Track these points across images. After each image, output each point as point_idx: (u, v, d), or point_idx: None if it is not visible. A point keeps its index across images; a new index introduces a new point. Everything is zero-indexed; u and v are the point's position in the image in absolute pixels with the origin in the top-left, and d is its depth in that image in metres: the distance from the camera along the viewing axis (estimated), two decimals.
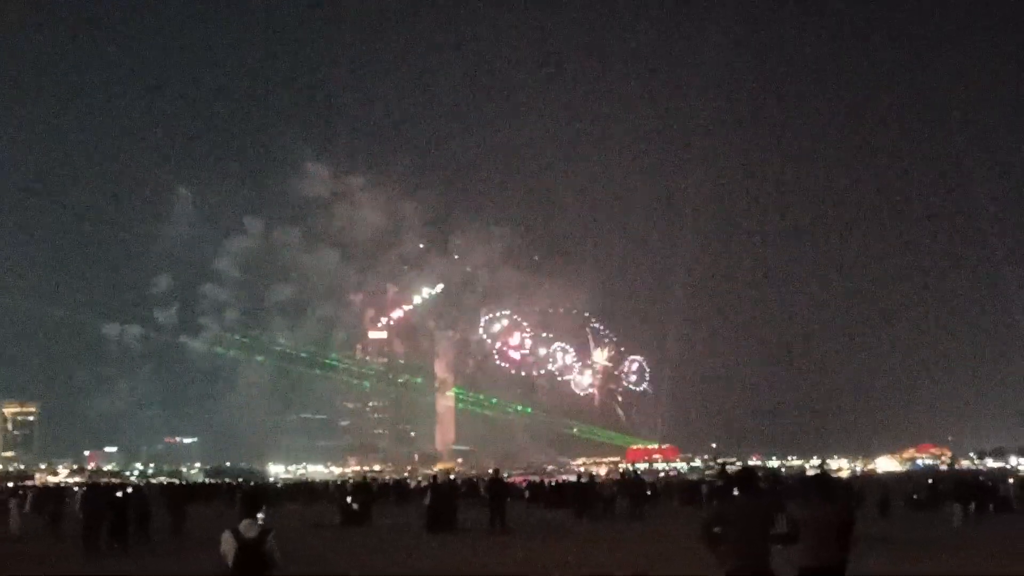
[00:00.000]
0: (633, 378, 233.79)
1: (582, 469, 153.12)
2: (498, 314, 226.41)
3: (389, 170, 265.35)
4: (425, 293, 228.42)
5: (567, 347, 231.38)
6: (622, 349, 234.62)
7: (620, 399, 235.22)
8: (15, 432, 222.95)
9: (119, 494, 31.77)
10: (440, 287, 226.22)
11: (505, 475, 74.34)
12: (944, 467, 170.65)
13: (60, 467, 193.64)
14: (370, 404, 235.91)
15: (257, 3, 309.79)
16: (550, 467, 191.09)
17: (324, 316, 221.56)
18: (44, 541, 34.14)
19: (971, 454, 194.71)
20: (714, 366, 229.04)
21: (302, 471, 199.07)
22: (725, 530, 10.28)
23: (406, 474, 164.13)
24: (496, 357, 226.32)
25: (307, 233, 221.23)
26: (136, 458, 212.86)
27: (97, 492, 32.46)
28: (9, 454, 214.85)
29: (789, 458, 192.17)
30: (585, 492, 48.67)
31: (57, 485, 78.29)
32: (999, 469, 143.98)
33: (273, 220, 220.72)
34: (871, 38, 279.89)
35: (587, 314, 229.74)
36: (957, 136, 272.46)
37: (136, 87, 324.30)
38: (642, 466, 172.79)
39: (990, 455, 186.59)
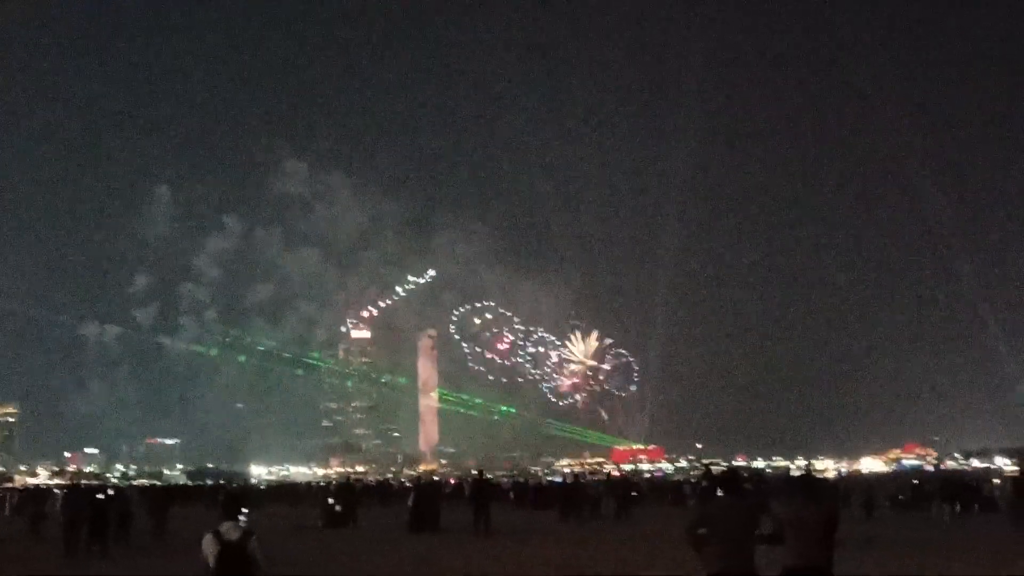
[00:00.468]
0: (617, 380, 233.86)
1: (567, 470, 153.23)
2: (481, 313, 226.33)
3: (370, 168, 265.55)
4: (407, 292, 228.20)
5: (550, 348, 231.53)
6: (608, 342, 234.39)
7: (603, 402, 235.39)
8: None
9: (100, 496, 31.52)
10: (424, 280, 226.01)
11: (490, 476, 74.16)
12: (930, 467, 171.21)
13: (40, 468, 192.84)
14: (353, 404, 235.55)
15: (235, 0, 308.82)
16: (535, 468, 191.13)
17: (305, 316, 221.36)
18: (24, 543, 33.93)
19: (956, 454, 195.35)
20: (699, 366, 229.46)
21: (284, 472, 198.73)
22: (710, 531, 10.24)
23: (389, 475, 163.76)
24: (479, 357, 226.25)
25: (287, 232, 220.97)
26: (117, 459, 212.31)
27: (78, 494, 32.23)
28: None
29: (774, 458, 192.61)
30: (571, 493, 48.56)
31: (38, 487, 77.85)
32: (984, 469, 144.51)
33: (253, 219, 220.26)
34: (856, 37, 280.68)
35: (572, 313, 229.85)
36: (947, 138, 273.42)
37: (114, 86, 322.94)
38: (627, 467, 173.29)
39: (975, 455, 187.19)
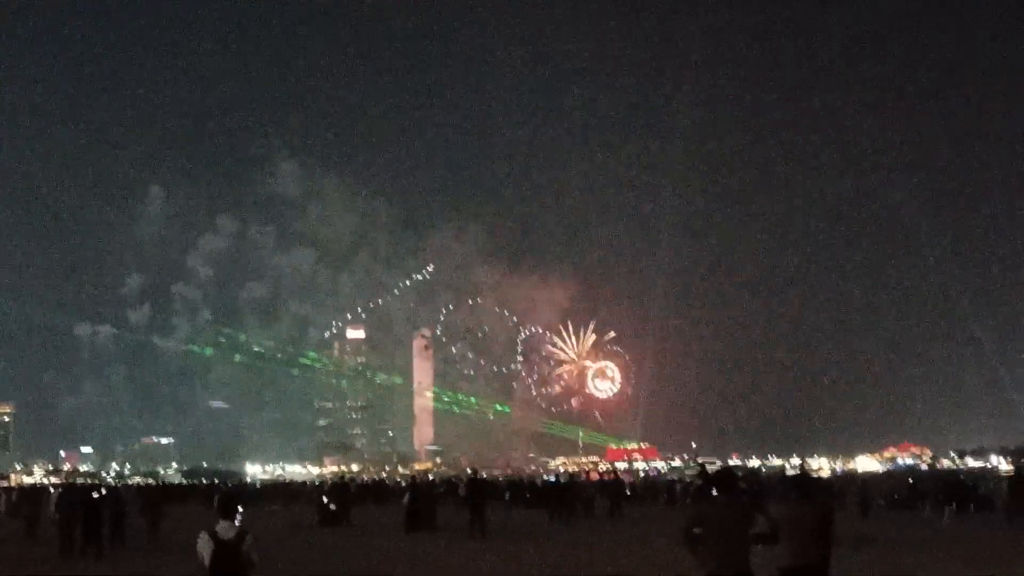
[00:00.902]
0: (608, 385, 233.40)
1: (561, 469, 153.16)
2: (475, 312, 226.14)
3: (363, 167, 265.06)
4: (401, 291, 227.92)
5: (544, 346, 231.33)
6: (612, 335, 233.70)
7: (597, 400, 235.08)
8: None
9: (94, 495, 31.50)
10: (419, 278, 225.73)
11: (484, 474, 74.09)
12: (925, 466, 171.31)
13: (36, 467, 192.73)
14: (348, 403, 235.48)
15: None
16: (532, 467, 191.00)
17: (300, 315, 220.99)
18: (20, 543, 33.88)
19: (952, 453, 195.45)
20: (694, 364, 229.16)
21: (279, 471, 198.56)
22: (705, 531, 10.24)
23: (384, 474, 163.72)
24: (473, 356, 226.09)
25: (281, 232, 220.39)
26: (112, 458, 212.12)
27: (73, 493, 32.19)
28: None
29: (769, 457, 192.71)
30: (565, 492, 48.56)
31: (33, 486, 77.77)
32: (980, 468, 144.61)
33: (246, 219, 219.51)
34: (854, 33, 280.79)
35: (566, 311, 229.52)
36: (942, 139, 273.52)
37: (108, 85, 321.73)
38: (622, 465, 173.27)
39: (971, 454, 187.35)
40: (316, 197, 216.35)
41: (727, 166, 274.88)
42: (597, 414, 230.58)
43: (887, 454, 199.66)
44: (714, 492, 11.00)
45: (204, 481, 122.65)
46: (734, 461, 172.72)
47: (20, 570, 25.91)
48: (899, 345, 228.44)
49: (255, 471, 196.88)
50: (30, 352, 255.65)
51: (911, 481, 63.67)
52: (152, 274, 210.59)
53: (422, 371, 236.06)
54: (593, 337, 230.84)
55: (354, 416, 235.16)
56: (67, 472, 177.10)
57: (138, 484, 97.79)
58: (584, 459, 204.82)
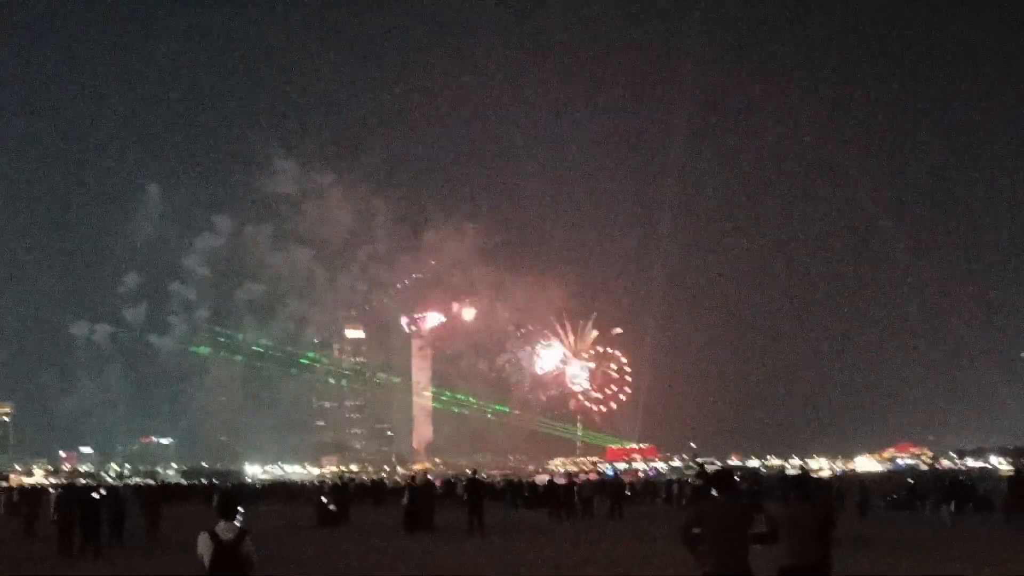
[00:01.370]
0: (610, 377, 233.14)
1: (560, 469, 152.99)
2: (474, 311, 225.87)
3: (360, 166, 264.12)
4: (400, 291, 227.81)
5: (543, 345, 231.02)
6: (617, 331, 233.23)
7: (596, 400, 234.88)
8: None
9: (94, 495, 31.49)
10: (417, 277, 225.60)
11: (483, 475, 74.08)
12: (924, 467, 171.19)
13: (35, 468, 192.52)
14: (347, 403, 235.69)
15: None
16: (531, 467, 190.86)
17: (298, 315, 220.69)
18: (20, 543, 33.88)
19: (951, 453, 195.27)
20: (694, 364, 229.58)
21: (279, 471, 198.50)
22: (704, 530, 10.25)
23: (383, 474, 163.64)
24: (471, 355, 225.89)
25: (278, 231, 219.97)
26: (112, 458, 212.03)
27: (72, 493, 32.18)
28: None
29: (768, 457, 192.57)
30: (564, 492, 48.56)
31: (33, 486, 77.69)
32: (979, 469, 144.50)
33: (243, 218, 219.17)
34: (852, 31, 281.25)
35: (565, 309, 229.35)
36: (940, 139, 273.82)
37: (104, 84, 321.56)
38: (621, 466, 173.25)
39: (970, 455, 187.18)
40: (313, 196, 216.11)
41: (727, 167, 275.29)
42: (596, 413, 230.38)
43: (887, 454, 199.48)
44: (713, 492, 10.99)
45: (203, 481, 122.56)
46: (734, 461, 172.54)
47: (19, 569, 25.91)
48: (899, 347, 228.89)
49: (254, 471, 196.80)
50: (27, 351, 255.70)
51: (910, 481, 63.68)
52: (149, 273, 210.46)
53: (421, 371, 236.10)
54: (595, 333, 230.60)
55: (353, 416, 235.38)
56: (67, 473, 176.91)
57: (137, 484, 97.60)
58: (584, 459, 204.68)
